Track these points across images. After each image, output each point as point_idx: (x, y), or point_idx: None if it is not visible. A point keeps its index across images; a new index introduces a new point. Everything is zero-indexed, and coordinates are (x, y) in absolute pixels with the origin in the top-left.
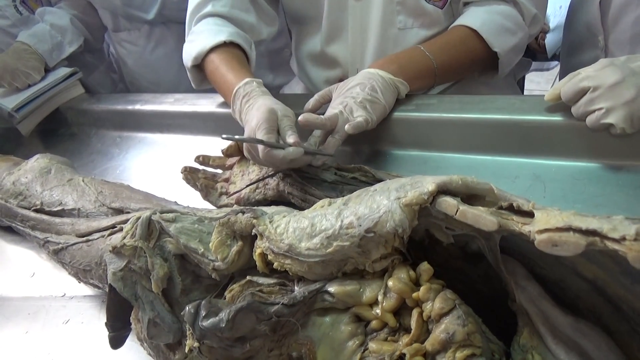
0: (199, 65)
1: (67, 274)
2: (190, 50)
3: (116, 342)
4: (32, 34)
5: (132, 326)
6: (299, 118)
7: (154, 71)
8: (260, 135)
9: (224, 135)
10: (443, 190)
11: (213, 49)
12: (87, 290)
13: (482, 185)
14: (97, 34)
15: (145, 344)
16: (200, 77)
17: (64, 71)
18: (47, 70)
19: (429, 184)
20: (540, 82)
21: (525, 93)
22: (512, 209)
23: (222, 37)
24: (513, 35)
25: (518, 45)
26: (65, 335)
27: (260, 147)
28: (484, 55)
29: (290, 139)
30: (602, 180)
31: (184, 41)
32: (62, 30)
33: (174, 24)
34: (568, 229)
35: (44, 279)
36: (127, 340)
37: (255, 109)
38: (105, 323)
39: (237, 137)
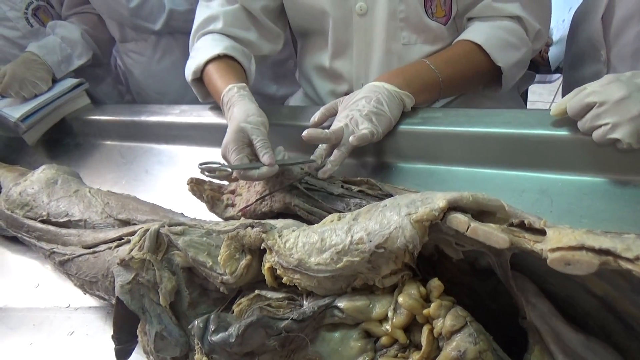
0: (201, 79)
1: (72, 284)
2: (190, 66)
3: (122, 354)
4: (42, 45)
5: (139, 339)
6: (303, 134)
7: (160, 81)
8: (231, 157)
9: (199, 165)
10: (454, 207)
11: (209, 62)
12: (92, 301)
13: (493, 202)
14: (105, 49)
15: (151, 357)
16: (204, 91)
17: (70, 82)
18: (54, 81)
19: (439, 200)
20: (543, 94)
21: (528, 104)
22: (523, 226)
23: (217, 51)
24: (517, 51)
25: (522, 60)
26: (70, 347)
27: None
28: (488, 69)
29: (265, 158)
30: (608, 195)
31: (189, 52)
32: (73, 43)
33: (180, 34)
34: (581, 247)
35: (49, 290)
36: (133, 353)
37: (229, 122)
38: (112, 336)
39: (207, 167)
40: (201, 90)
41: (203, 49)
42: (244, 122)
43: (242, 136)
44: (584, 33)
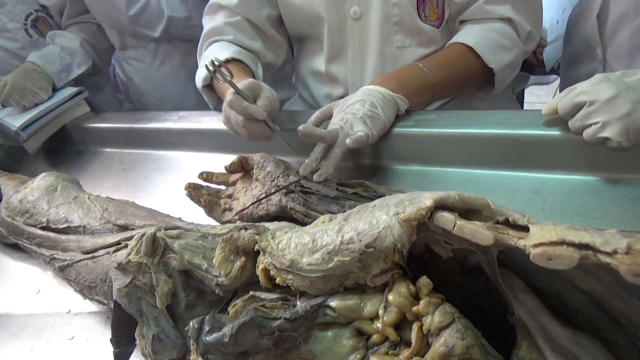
0: (211, 86)
1: (72, 290)
2: (200, 74)
3: (121, 358)
4: (42, 54)
5: (137, 342)
6: (299, 127)
7: (159, 88)
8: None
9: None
10: (441, 206)
11: None
12: (92, 306)
13: (478, 200)
14: (105, 58)
15: None
16: (215, 98)
17: (70, 90)
18: (54, 90)
19: (426, 199)
20: (541, 95)
21: (525, 106)
22: (507, 223)
23: (225, 55)
24: (508, 52)
25: (514, 61)
26: (71, 352)
27: (230, 92)
28: (481, 71)
29: (260, 101)
30: (600, 193)
31: (189, 58)
32: (72, 52)
33: (179, 41)
34: (562, 242)
35: (49, 296)
36: (132, 356)
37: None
38: (110, 339)
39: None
40: (212, 97)
41: (211, 56)
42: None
43: (256, 85)
44: (580, 32)
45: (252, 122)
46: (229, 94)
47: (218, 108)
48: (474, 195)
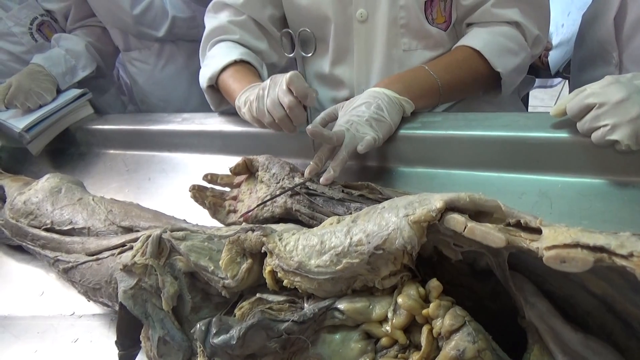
0: (215, 87)
1: (76, 292)
2: (205, 73)
3: None
4: (47, 57)
5: (142, 344)
6: (308, 127)
7: (164, 88)
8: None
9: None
10: (451, 208)
11: (225, 68)
12: (96, 308)
13: (489, 203)
14: (109, 61)
15: None
16: (218, 98)
17: (74, 92)
18: (58, 92)
19: (436, 201)
20: (544, 99)
21: (529, 109)
22: (519, 225)
23: (233, 57)
24: (515, 56)
25: (520, 65)
26: (75, 354)
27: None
28: (487, 75)
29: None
30: (608, 196)
31: (192, 59)
32: (77, 55)
33: (183, 42)
34: (576, 245)
35: (53, 298)
36: (137, 359)
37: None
38: (115, 341)
39: None
40: (215, 98)
41: (218, 56)
42: None
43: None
44: (594, 35)
45: (299, 106)
46: (290, 73)
47: (220, 109)
48: (484, 197)
